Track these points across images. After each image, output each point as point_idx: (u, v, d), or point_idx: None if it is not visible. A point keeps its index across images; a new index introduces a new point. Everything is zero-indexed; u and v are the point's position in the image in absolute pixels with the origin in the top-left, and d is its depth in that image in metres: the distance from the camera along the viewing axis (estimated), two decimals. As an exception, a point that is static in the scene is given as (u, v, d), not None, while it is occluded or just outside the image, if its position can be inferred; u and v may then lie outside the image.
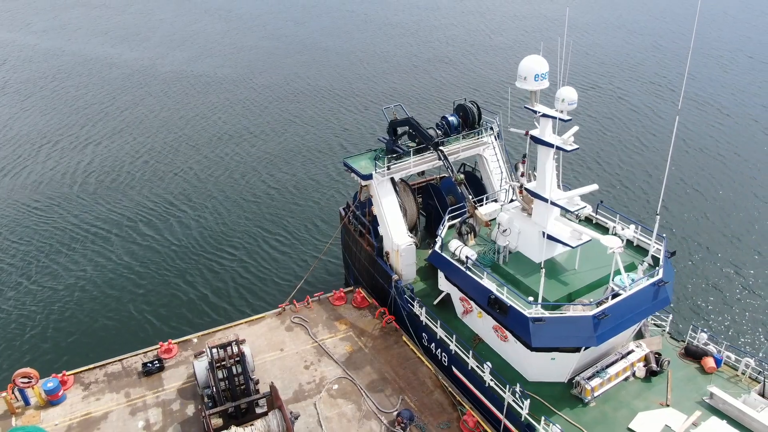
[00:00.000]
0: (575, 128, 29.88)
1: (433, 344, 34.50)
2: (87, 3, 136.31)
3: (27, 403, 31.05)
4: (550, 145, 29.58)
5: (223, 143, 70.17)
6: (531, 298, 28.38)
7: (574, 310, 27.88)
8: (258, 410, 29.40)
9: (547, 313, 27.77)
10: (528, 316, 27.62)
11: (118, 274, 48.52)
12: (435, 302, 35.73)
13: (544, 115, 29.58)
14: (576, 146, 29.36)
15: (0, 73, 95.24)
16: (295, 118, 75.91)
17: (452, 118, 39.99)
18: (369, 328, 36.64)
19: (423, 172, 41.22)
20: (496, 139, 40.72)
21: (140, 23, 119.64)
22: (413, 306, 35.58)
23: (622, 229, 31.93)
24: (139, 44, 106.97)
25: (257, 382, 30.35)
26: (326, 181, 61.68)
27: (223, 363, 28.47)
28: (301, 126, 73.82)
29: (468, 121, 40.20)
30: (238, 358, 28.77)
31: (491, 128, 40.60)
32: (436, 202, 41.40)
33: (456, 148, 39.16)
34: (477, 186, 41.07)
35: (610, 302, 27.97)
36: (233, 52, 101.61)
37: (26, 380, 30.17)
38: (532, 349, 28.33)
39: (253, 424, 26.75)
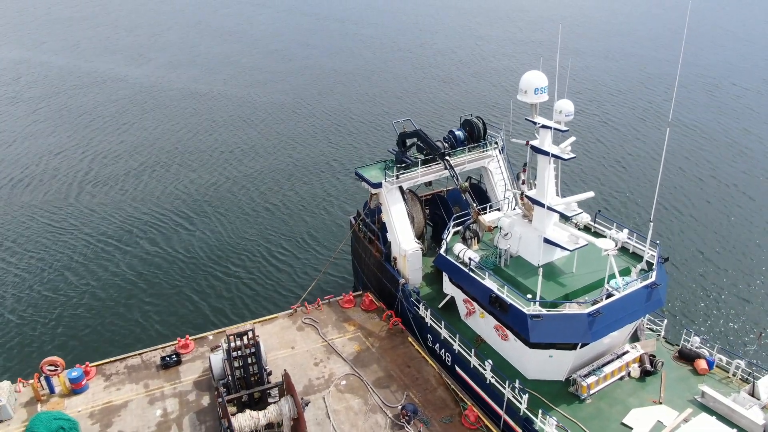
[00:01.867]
0: (572, 138, 31.81)
1: (437, 345, 36.07)
2: (99, 24, 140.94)
3: (52, 391, 32.84)
4: (549, 154, 31.51)
5: (237, 159, 72.57)
6: (530, 296, 29.97)
7: (570, 308, 29.46)
8: (270, 400, 30.89)
9: (544, 311, 29.34)
10: (527, 313, 29.18)
11: (139, 278, 50.62)
12: (440, 305, 37.29)
13: (543, 126, 31.59)
14: (573, 155, 31.26)
15: (14, 88, 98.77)
16: (310, 136, 78.42)
17: (459, 133, 41.95)
18: (376, 329, 38.29)
19: (431, 183, 43.09)
20: (500, 153, 42.60)
21: (149, 43, 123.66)
22: (419, 308, 37.20)
23: (617, 233, 33.54)
24: (147, 63, 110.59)
25: (270, 373, 31.95)
26: (334, 193, 63.96)
27: (239, 352, 30.03)
28: (313, 144, 76.17)
29: (474, 136, 42.19)
30: (253, 348, 30.34)
31: (496, 142, 42.56)
32: (443, 213, 43.09)
33: (462, 160, 41.08)
34: (481, 197, 42.76)
35: (605, 302, 29.57)
36: (241, 72, 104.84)
37: (53, 368, 31.98)
38: (531, 346, 29.88)
39: (266, 408, 28.26)
